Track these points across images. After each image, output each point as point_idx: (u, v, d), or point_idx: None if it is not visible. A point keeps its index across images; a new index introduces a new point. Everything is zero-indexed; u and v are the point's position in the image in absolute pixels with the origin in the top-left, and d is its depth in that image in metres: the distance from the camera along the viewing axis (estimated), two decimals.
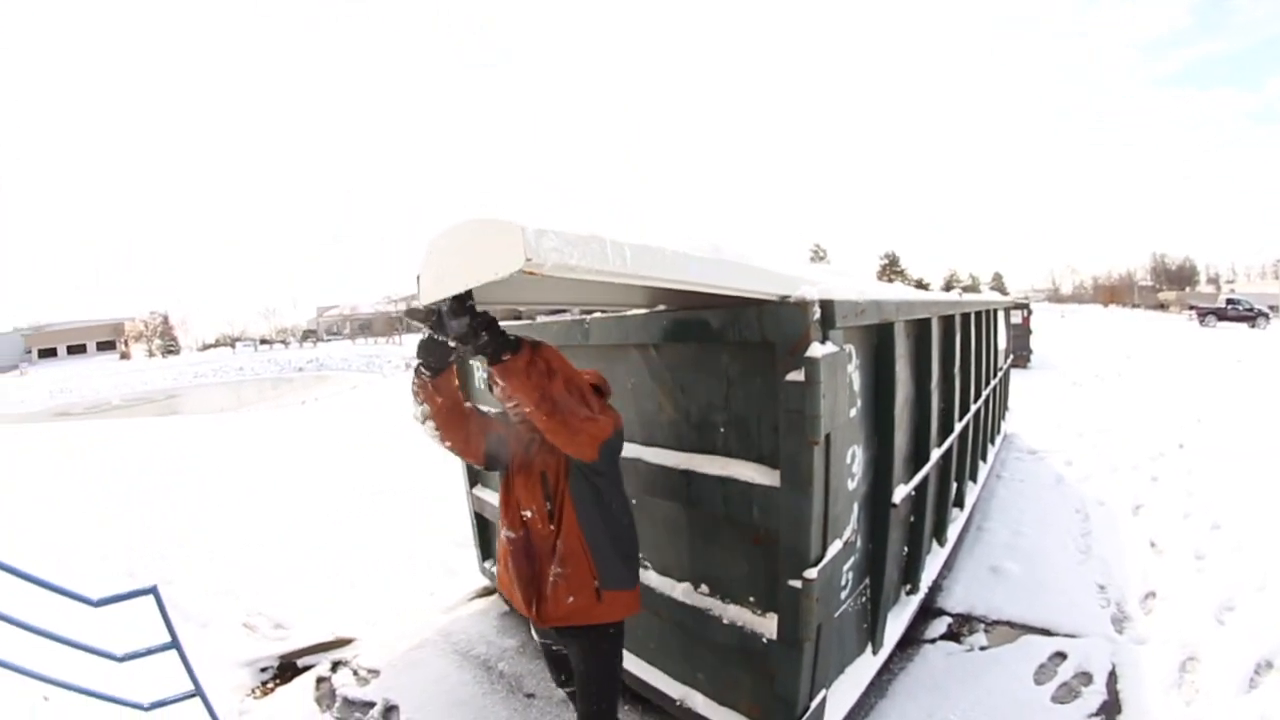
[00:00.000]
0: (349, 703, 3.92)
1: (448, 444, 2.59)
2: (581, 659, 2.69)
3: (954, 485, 5.29)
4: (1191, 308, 44.14)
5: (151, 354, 69.50)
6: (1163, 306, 65.68)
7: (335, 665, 4.34)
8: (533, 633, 2.91)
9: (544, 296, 3.12)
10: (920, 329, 3.91)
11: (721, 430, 2.88)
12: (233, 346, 69.76)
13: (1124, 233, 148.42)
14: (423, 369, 2.44)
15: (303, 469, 10.21)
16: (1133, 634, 4.53)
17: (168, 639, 3.13)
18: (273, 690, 4.14)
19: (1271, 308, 42.20)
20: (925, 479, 4.01)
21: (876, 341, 3.19)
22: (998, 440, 8.60)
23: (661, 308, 3.00)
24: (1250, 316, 37.23)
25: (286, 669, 4.34)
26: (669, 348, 3.02)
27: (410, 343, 50.67)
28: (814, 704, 2.74)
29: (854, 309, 2.63)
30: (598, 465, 2.48)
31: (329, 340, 71.22)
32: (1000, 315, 8.79)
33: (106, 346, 68.94)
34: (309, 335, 75.77)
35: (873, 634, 3.52)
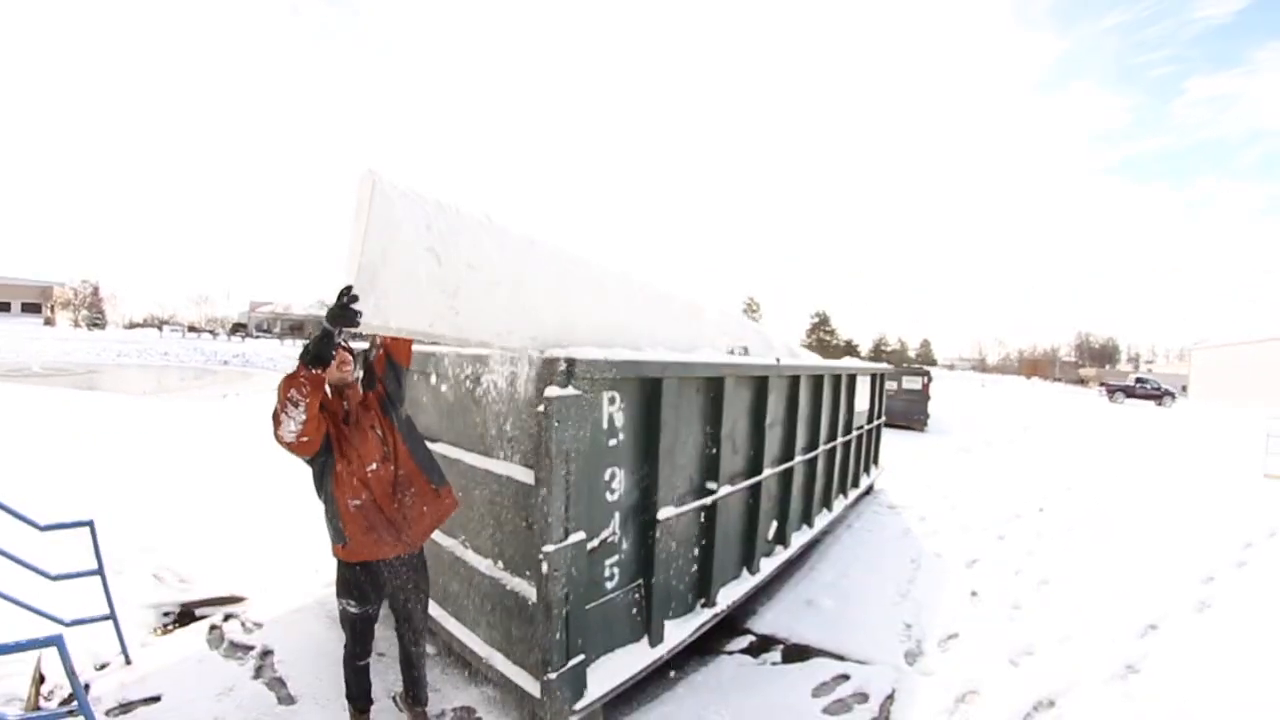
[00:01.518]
0: (234, 645, 4.73)
1: (305, 439, 3.04)
2: (413, 582, 3.58)
3: (772, 524, 6.10)
4: (1102, 384, 45.83)
5: (77, 324, 67.19)
6: (1083, 382, 67.88)
7: (227, 617, 5.13)
8: (347, 606, 3.51)
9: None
10: (712, 386, 4.73)
11: (509, 441, 3.79)
12: (160, 329, 67.51)
13: (1053, 310, 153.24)
14: (315, 366, 2.94)
15: (217, 454, 11.06)
16: (922, 667, 5.07)
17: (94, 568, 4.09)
18: (172, 630, 4.99)
19: (1183, 388, 44.31)
20: (712, 508, 4.82)
21: (646, 392, 4.04)
22: (851, 493, 9.32)
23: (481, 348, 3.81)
24: (1157, 395, 38.87)
25: (186, 615, 5.20)
26: (482, 378, 3.88)
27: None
28: (571, 663, 3.54)
29: (599, 366, 3.52)
30: (401, 383, 3.50)
31: (258, 336, 68.85)
32: (858, 380, 9.53)
33: (32, 309, 66.58)
34: (239, 329, 72.77)
35: (648, 629, 4.27)
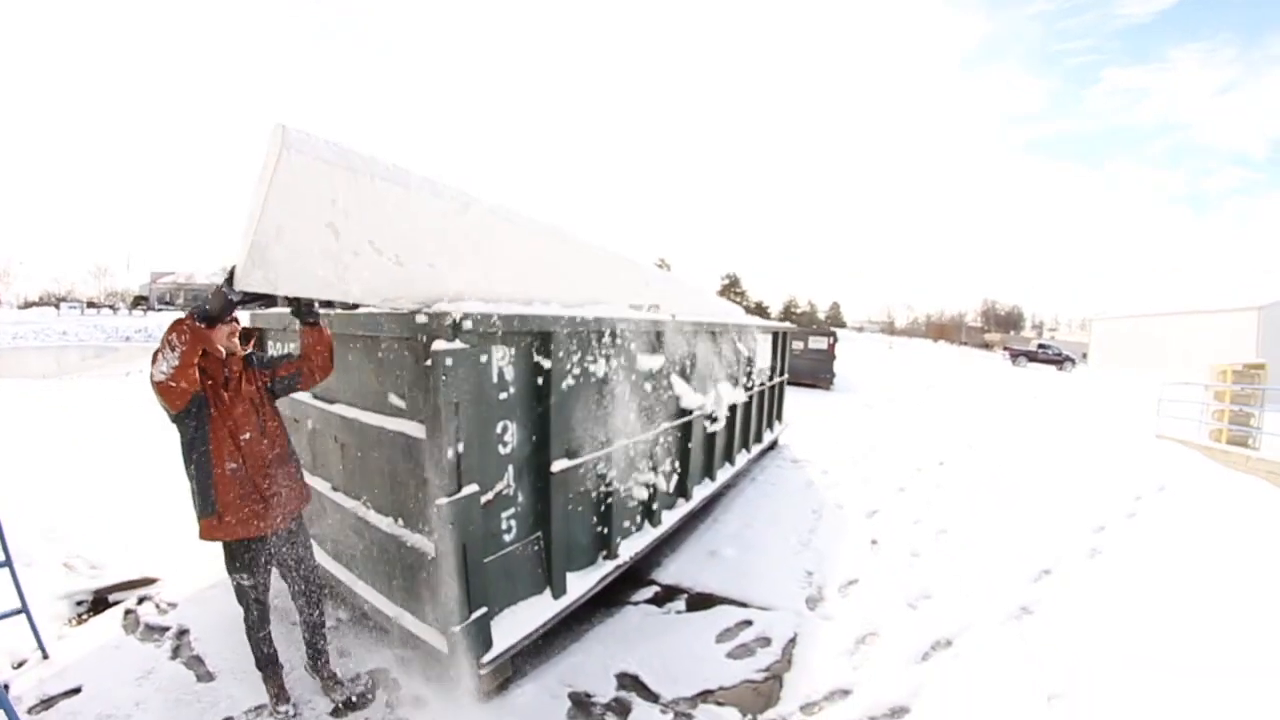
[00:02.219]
0: (149, 628, 4.70)
1: (173, 383, 3.09)
2: (299, 547, 3.73)
3: (674, 478, 6.28)
4: (1006, 348, 47.20)
5: None
6: (988, 346, 69.80)
7: (141, 600, 5.10)
8: (240, 580, 3.60)
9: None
10: (596, 339, 4.78)
11: (402, 398, 3.84)
12: (57, 307, 64.62)
13: (961, 278, 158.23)
14: (202, 320, 3.11)
15: (122, 433, 10.63)
16: (823, 611, 5.29)
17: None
18: (87, 620, 4.86)
19: (1083, 355, 46.47)
20: (609, 457, 4.95)
21: (535, 346, 4.14)
22: (755, 448, 9.63)
23: (372, 307, 3.87)
24: (1058, 360, 40.57)
25: (99, 602, 5.09)
26: (376, 338, 3.93)
27: (245, 320, 49.08)
28: (474, 616, 3.64)
29: (487, 320, 3.61)
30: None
31: (160, 310, 65.69)
32: (759, 336, 9.83)
33: None
34: (140, 302, 69.08)
35: (550, 580, 4.40)
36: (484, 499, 3.77)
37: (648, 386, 5.59)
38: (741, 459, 8.84)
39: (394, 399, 3.94)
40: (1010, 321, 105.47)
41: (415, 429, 3.67)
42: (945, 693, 4.12)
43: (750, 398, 9.16)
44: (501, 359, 3.86)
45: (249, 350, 3.54)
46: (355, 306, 4.08)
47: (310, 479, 4.56)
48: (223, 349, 3.30)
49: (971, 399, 20.65)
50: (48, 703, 3.78)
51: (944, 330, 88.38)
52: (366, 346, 4.12)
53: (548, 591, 4.40)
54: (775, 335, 11.15)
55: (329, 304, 4.15)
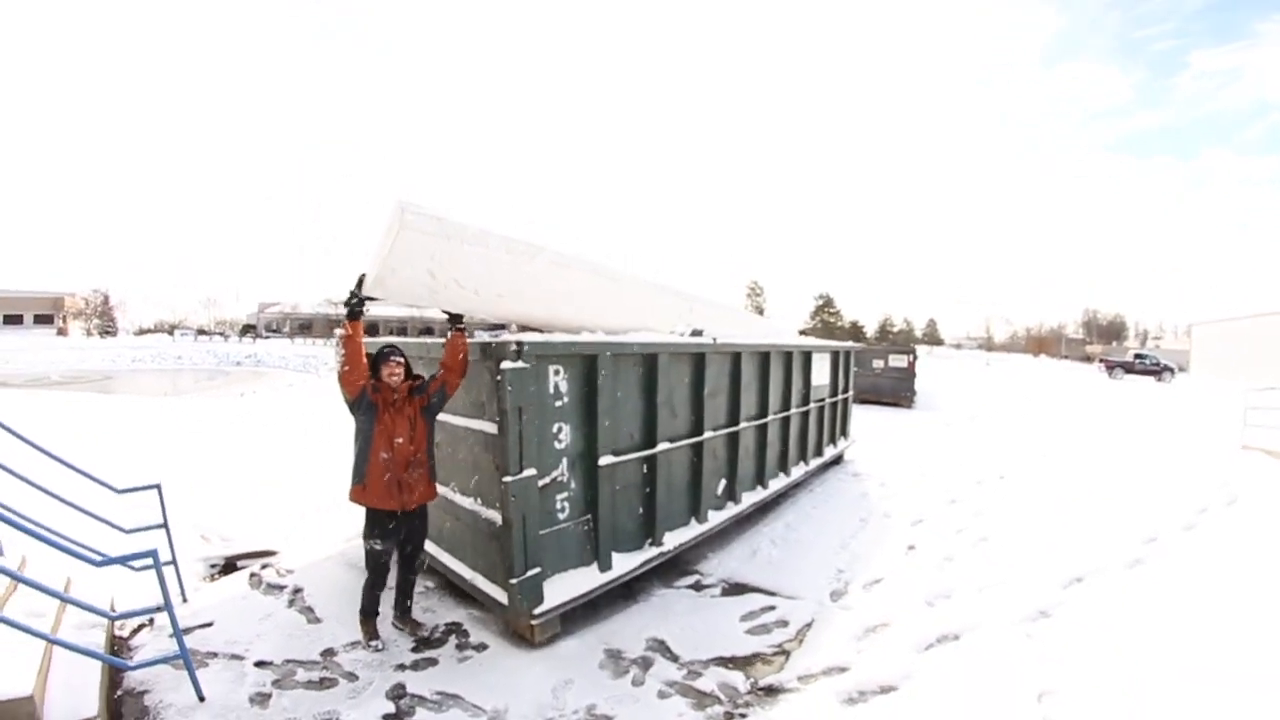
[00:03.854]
0: (271, 586, 5.88)
1: (345, 368, 4.54)
2: (418, 530, 4.92)
3: (722, 482, 7.15)
4: (1101, 360, 45.39)
5: (89, 333, 68.36)
6: (1089, 359, 66.86)
7: (263, 566, 6.32)
8: (373, 544, 4.76)
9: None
10: (648, 360, 5.78)
11: (482, 403, 4.94)
12: (171, 334, 68.81)
13: (1061, 287, 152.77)
14: (350, 319, 4.56)
15: (242, 441, 12.77)
16: (843, 603, 5.78)
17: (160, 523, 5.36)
18: (217, 579, 6.14)
19: (1179, 366, 43.69)
20: (652, 460, 5.88)
21: (586, 365, 5.17)
22: (814, 461, 10.22)
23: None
24: (1156, 370, 38.92)
25: (229, 567, 6.40)
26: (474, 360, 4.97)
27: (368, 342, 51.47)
28: (530, 574, 4.66)
29: (540, 345, 4.70)
30: (444, 401, 4.86)
31: (268, 337, 69.98)
32: (820, 357, 10.50)
33: (44, 320, 67.75)
34: (248, 330, 74.79)
35: (597, 555, 5.36)
36: (541, 482, 4.78)
37: (692, 399, 6.49)
38: (797, 471, 9.47)
39: (476, 406, 5.07)
40: (1113, 331, 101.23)
41: (490, 427, 4.75)
42: (936, 678, 4.48)
43: (807, 412, 9.82)
44: (557, 375, 4.92)
45: (412, 384, 4.77)
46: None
47: None
48: (388, 381, 4.65)
49: (1057, 413, 20.19)
50: (186, 631, 4.64)
51: (1043, 344, 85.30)
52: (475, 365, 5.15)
53: (595, 565, 5.34)
54: (835, 355, 11.65)
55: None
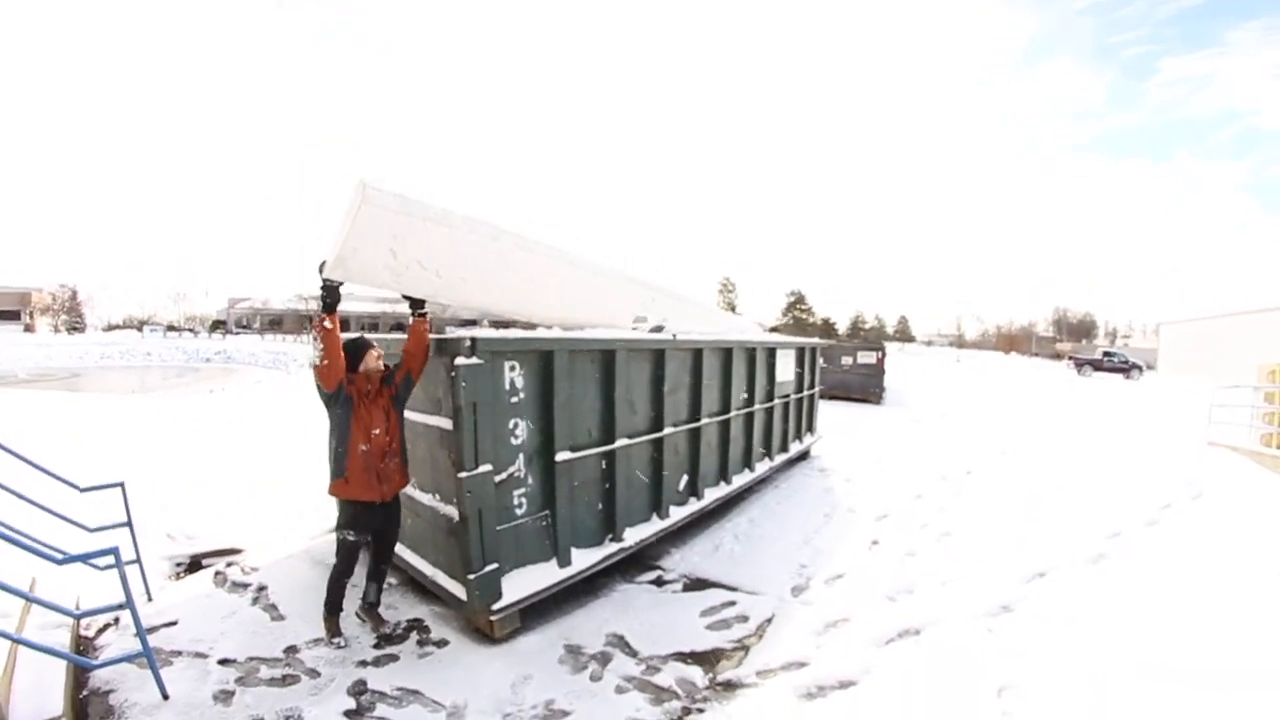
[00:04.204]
0: (235, 584, 5.90)
1: (325, 363, 4.49)
2: (395, 518, 5.07)
3: (683, 476, 7.24)
4: (1071, 358, 45.63)
5: (57, 329, 67.64)
6: (1059, 356, 67.32)
7: (228, 564, 6.32)
8: (346, 535, 4.83)
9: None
10: (605, 356, 5.86)
11: (439, 399, 4.96)
12: (140, 330, 67.93)
13: (1031, 286, 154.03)
14: (325, 311, 4.50)
15: (209, 439, 12.71)
16: (804, 598, 5.84)
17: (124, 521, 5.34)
18: (183, 577, 6.17)
19: (1147, 364, 44.02)
20: (610, 455, 5.96)
21: (542, 360, 5.23)
22: (779, 456, 10.31)
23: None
24: (1125, 368, 39.20)
25: (194, 565, 6.43)
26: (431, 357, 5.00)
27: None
28: (487, 569, 4.73)
29: (495, 342, 4.76)
30: (409, 389, 4.91)
31: (238, 333, 69.49)
32: (785, 354, 10.57)
33: (9, 316, 66.67)
34: (218, 326, 74.16)
35: (556, 551, 5.44)
36: (497, 478, 4.86)
37: (652, 395, 6.56)
38: (762, 466, 9.54)
39: (433, 402, 5.10)
40: (1082, 330, 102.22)
41: (446, 423, 4.79)
42: (895, 673, 4.48)
43: (771, 410, 9.91)
44: (512, 371, 4.98)
45: (383, 374, 4.83)
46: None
47: None
48: (371, 368, 4.78)
49: (1025, 410, 20.26)
50: (150, 630, 4.74)
51: (1014, 341, 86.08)
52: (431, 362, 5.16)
53: (554, 560, 5.42)
54: (801, 351, 11.72)
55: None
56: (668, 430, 6.76)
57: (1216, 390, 13.85)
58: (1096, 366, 40.56)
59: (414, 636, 5.07)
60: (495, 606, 4.77)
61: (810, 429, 12.59)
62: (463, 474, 4.59)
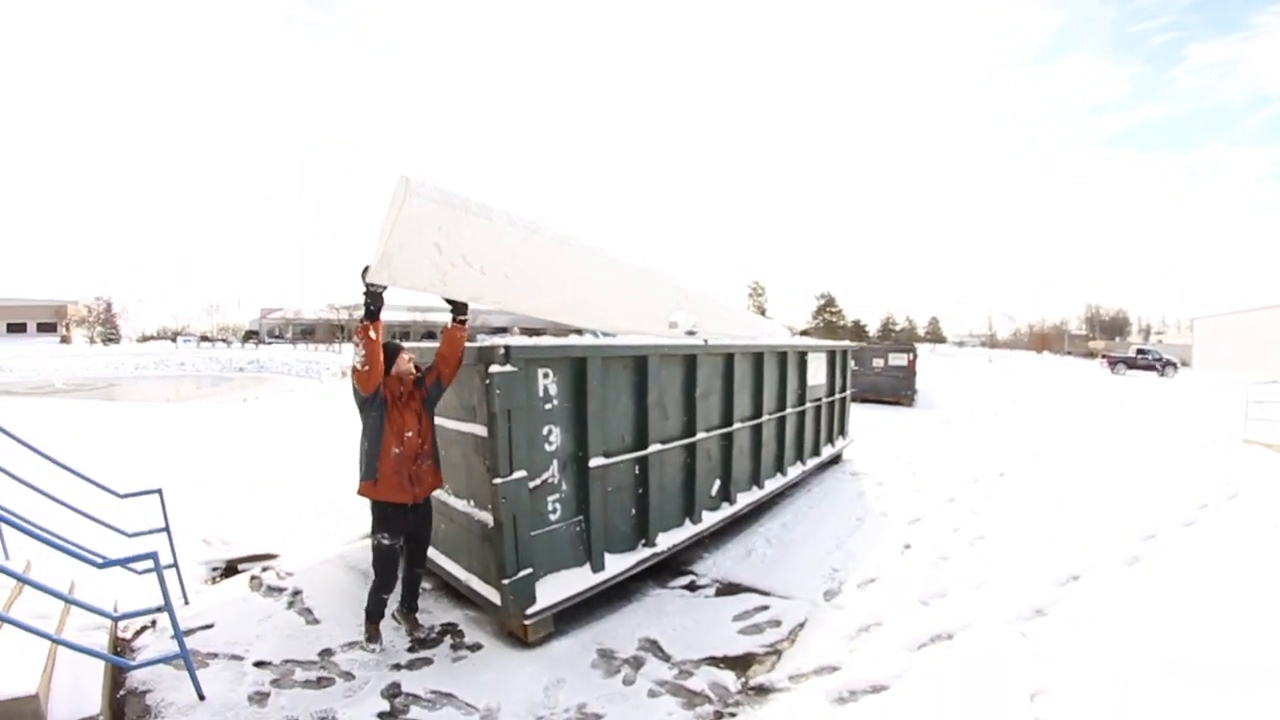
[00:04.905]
0: (270, 588, 5.97)
1: (365, 368, 4.48)
2: (425, 522, 5.04)
3: (715, 482, 7.22)
4: (1104, 356, 44.63)
5: (92, 340, 68.67)
6: (1092, 355, 66.15)
7: (264, 569, 6.41)
8: (381, 539, 4.82)
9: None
10: (638, 363, 5.89)
11: (473, 406, 5.02)
12: (174, 340, 69.13)
13: (1063, 284, 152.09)
14: (367, 319, 4.48)
15: (244, 447, 12.93)
16: (837, 602, 5.82)
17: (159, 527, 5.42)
18: (219, 582, 6.26)
19: (1181, 361, 43.74)
20: (644, 461, 5.98)
21: (576, 367, 5.26)
22: (811, 461, 10.22)
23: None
24: (1159, 365, 38.24)
25: (230, 570, 6.51)
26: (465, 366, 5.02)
27: (349, 352, 51.46)
28: (521, 574, 4.76)
29: (529, 350, 4.82)
30: (440, 392, 4.91)
31: (270, 343, 70.46)
32: (816, 357, 10.49)
33: (47, 328, 68.37)
34: (251, 335, 75.16)
35: (589, 556, 5.46)
36: (531, 484, 4.90)
37: (680, 401, 6.55)
38: (794, 471, 9.48)
39: (468, 409, 5.14)
40: (1115, 327, 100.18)
41: (481, 430, 4.85)
42: (927, 678, 4.47)
43: (803, 414, 9.85)
44: (546, 378, 5.02)
45: (418, 374, 4.85)
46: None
47: None
48: (403, 370, 4.76)
49: (1058, 410, 20.04)
50: (188, 633, 4.74)
51: (1046, 340, 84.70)
52: (464, 370, 5.12)
53: (588, 565, 5.43)
54: (832, 354, 11.64)
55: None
56: (700, 435, 6.75)
57: (1251, 386, 13.63)
58: (1130, 364, 39.57)
59: (448, 640, 5.11)
60: (529, 611, 4.80)
61: (842, 432, 12.45)
62: (497, 480, 4.63)
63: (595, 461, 5.37)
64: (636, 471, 5.95)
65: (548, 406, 5.05)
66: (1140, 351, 42.00)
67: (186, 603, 5.50)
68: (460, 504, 5.40)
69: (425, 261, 4.46)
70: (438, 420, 5.21)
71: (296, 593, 5.86)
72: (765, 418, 8.36)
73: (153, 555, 3.95)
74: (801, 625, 5.43)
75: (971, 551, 7.00)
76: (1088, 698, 4.10)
